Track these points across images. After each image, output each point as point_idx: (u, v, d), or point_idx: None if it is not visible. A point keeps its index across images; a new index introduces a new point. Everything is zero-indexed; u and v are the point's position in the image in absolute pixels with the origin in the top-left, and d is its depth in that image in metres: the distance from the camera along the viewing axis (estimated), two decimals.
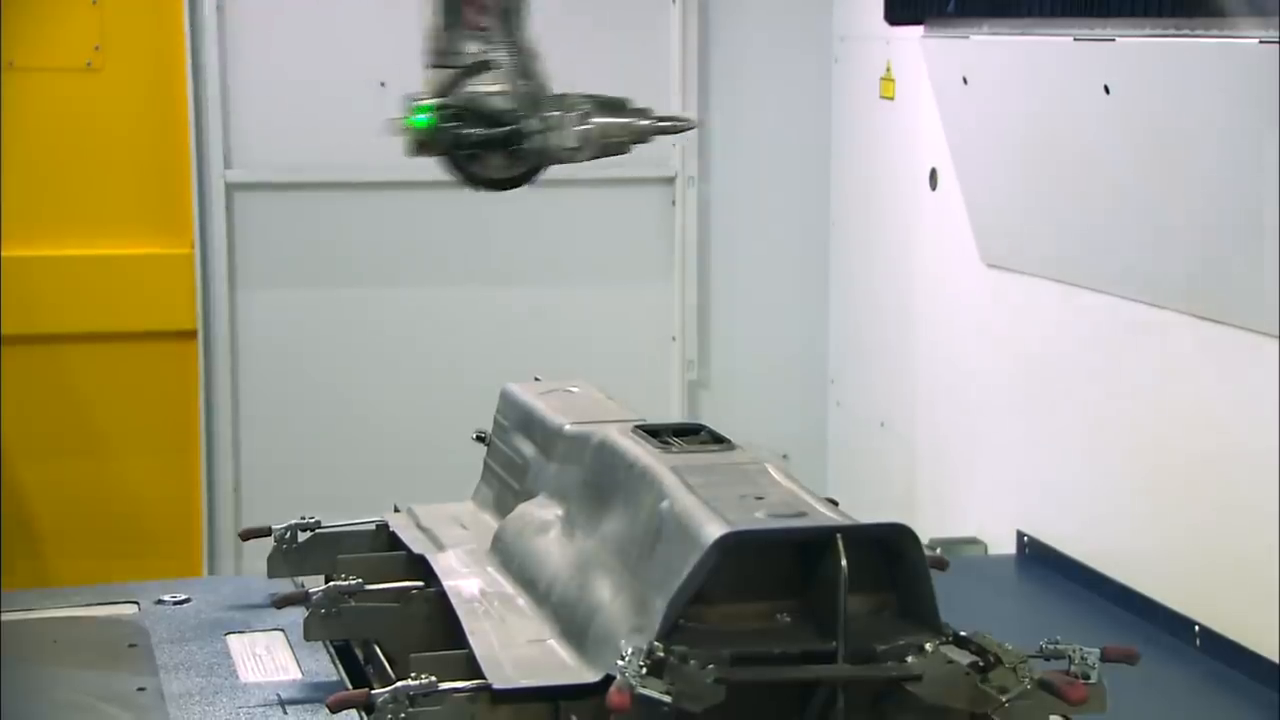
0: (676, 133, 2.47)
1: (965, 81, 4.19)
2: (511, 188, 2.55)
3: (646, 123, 2.46)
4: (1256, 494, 3.33)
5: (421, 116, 2.45)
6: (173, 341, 5.25)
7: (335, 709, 2.46)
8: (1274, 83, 3.07)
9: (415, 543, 3.06)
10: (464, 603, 2.73)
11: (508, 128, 2.42)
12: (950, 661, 2.35)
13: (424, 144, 2.46)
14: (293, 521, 3.17)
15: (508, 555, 2.91)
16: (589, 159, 2.55)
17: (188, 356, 5.25)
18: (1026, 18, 3.85)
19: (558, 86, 2.67)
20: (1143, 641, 2.67)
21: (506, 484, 3.18)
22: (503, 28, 2.42)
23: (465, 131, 2.45)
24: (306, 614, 2.77)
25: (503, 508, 3.11)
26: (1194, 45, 3.31)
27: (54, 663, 2.91)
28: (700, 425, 2.91)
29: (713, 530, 2.38)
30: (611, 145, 2.49)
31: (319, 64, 5.22)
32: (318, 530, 3.17)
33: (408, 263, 5.38)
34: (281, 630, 3.01)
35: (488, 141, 2.43)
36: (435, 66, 2.49)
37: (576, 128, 2.43)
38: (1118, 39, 3.54)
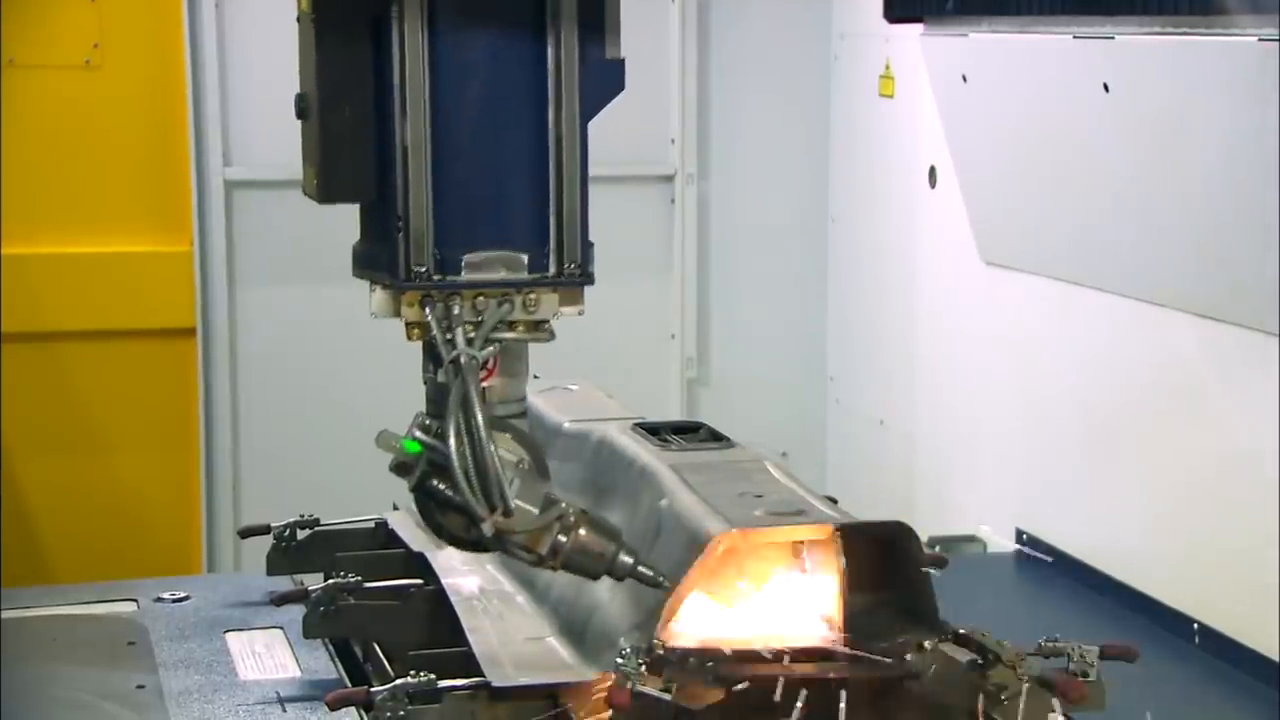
0: (651, 586, 2.35)
1: (965, 79, 4.19)
2: (473, 550, 2.45)
3: (627, 560, 2.35)
4: (1256, 493, 3.33)
5: (415, 442, 2.37)
6: (172, 339, 5.24)
7: (334, 707, 2.46)
8: (1274, 80, 3.07)
9: (414, 540, 3.06)
10: (463, 601, 2.73)
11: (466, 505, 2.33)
12: (949, 659, 2.35)
13: (404, 466, 2.38)
14: (292, 519, 3.17)
15: None
16: (553, 569, 2.43)
17: (187, 354, 5.24)
18: (1026, 15, 3.85)
19: None
20: (1142, 639, 2.67)
21: None
22: (462, 406, 2.34)
23: (437, 485, 2.35)
24: (305, 612, 2.77)
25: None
26: (1193, 43, 3.31)
27: (53, 660, 2.91)
28: (699, 423, 2.91)
29: (712, 528, 2.38)
30: (581, 566, 2.37)
31: None
32: (317, 528, 3.17)
33: None
34: (280, 628, 3.01)
35: (452, 505, 2.34)
36: (428, 412, 2.43)
37: (554, 536, 2.35)
38: (1117, 37, 3.54)
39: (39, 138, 5.08)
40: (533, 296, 2.41)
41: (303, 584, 2.97)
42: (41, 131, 5.08)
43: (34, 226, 5.08)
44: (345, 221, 5.80)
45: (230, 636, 3.00)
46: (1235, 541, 3.44)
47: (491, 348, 2.39)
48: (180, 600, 3.20)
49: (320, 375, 5.36)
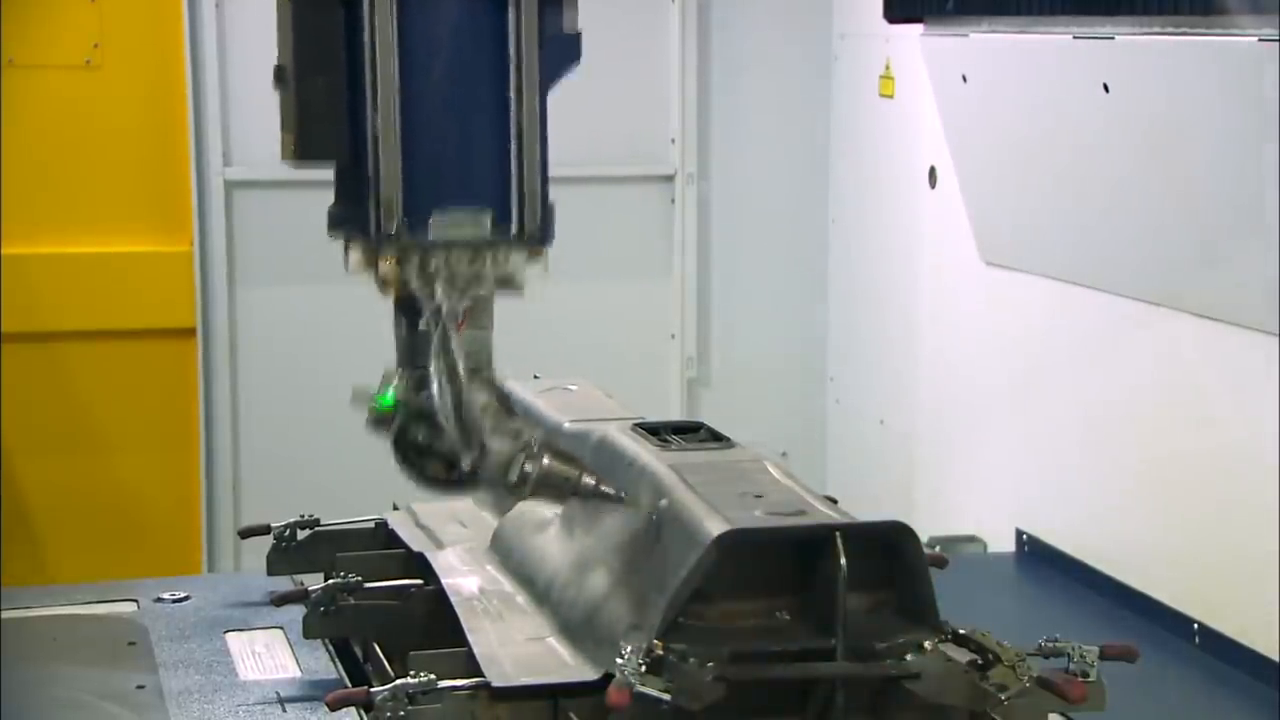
0: (614, 502, 2.62)
1: (964, 79, 4.19)
2: (453, 490, 2.66)
3: (589, 482, 2.59)
4: (1256, 492, 3.33)
5: (388, 397, 2.57)
6: (172, 339, 5.25)
7: (334, 707, 2.46)
8: (1273, 80, 3.07)
9: (414, 541, 3.06)
10: (463, 601, 2.73)
11: (447, 446, 2.54)
12: (949, 659, 2.35)
13: (380, 422, 2.60)
14: (292, 519, 3.17)
15: (507, 553, 2.91)
16: (523, 497, 2.69)
17: (187, 354, 5.25)
18: (1026, 15, 3.85)
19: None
20: (1142, 639, 2.67)
21: None
22: (442, 352, 2.54)
23: (412, 433, 2.56)
24: (305, 612, 2.77)
25: (502, 506, 3.11)
26: (1192, 43, 3.32)
27: (53, 660, 2.91)
28: (699, 423, 2.91)
29: (712, 528, 2.38)
30: (548, 490, 2.60)
31: None
32: (317, 528, 3.17)
33: None
34: (281, 628, 3.01)
35: (430, 450, 2.55)
36: (400, 365, 2.61)
37: (520, 466, 2.55)
38: (1117, 37, 3.54)
39: (39, 138, 5.08)
40: (501, 254, 2.56)
41: (303, 584, 2.96)
42: (41, 131, 5.09)
43: (34, 226, 5.09)
44: None
45: (230, 636, 3.01)
46: (1235, 541, 3.44)
47: (466, 301, 2.55)
48: (180, 600, 3.20)
49: (320, 375, 5.36)
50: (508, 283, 2.59)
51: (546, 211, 2.57)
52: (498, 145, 2.53)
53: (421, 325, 2.55)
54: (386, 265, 2.52)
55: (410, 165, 2.49)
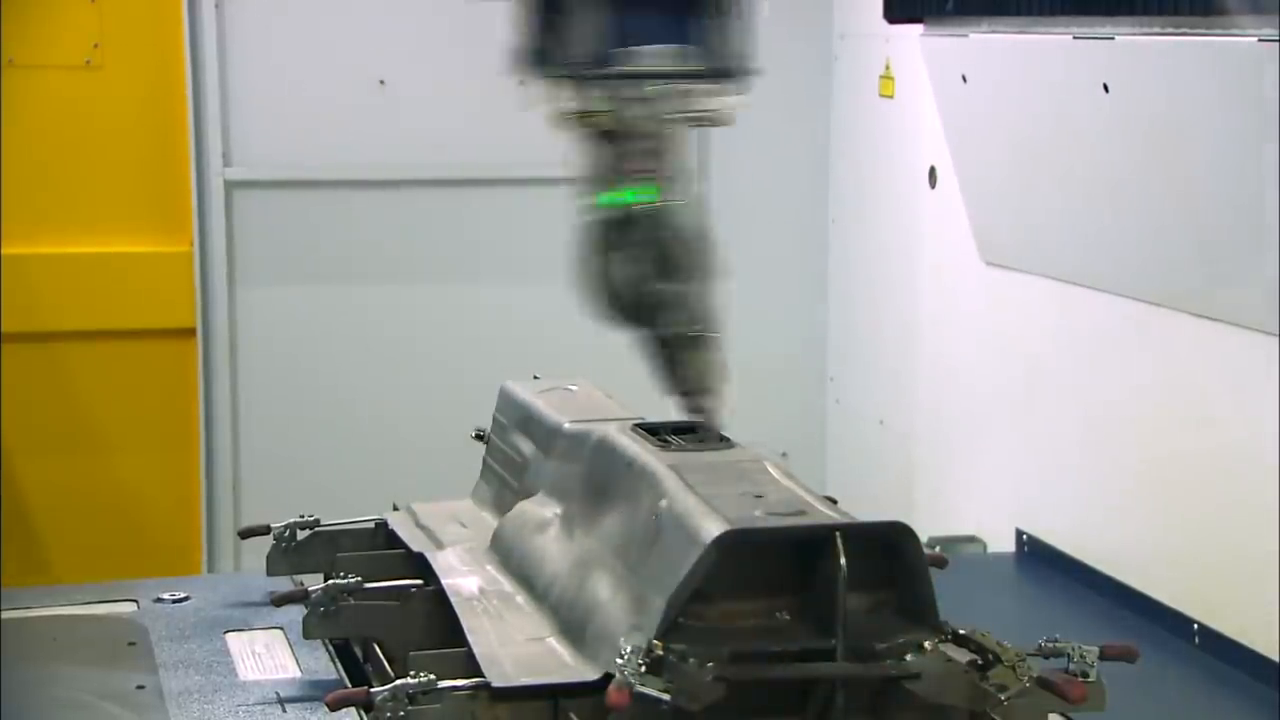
0: None
1: (964, 80, 4.19)
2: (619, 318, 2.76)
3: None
4: (1256, 492, 3.33)
5: (630, 193, 2.61)
6: (172, 339, 5.25)
7: (334, 707, 2.46)
8: (1273, 81, 3.07)
9: (414, 541, 3.06)
10: (463, 601, 2.73)
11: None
12: (949, 660, 2.35)
13: (616, 223, 2.63)
14: (292, 520, 3.17)
15: (507, 553, 2.91)
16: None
17: (187, 354, 5.25)
18: (1026, 16, 3.85)
19: None
20: (1142, 640, 2.67)
21: (505, 482, 3.18)
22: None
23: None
24: (305, 612, 2.77)
25: (502, 506, 3.11)
26: (1193, 43, 3.32)
27: (53, 661, 2.91)
28: (699, 423, 2.91)
29: (712, 528, 2.38)
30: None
31: (318, 61, 5.22)
32: (317, 528, 3.17)
33: (407, 261, 5.38)
34: (280, 628, 3.01)
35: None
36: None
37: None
38: (1117, 37, 3.54)
39: (39, 138, 5.08)
40: (700, 87, 2.59)
41: (303, 584, 2.96)
42: (41, 131, 5.09)
43: (34, 226, 5.09)
44: (345, 220, 5.82)
45: (230, 637, 3.01)
46: (1235, 541, 3.44)
47: (667, 134, 2.58)
48: (180, 600, 3.20)
49: (320, 375, 5.37)
50: (713, 119, 2.60)
51: (747, 45, 2.57)
52: None
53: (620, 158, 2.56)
54: (582, 99, 2.53)
55: (613, 2, 2.51)
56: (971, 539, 4.37)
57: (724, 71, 2.58)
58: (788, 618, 2.42)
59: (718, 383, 2.61)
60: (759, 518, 2.45)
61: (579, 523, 2.78)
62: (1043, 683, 2.31)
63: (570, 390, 3.25)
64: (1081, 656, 2.36)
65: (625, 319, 2.66)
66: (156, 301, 5.22)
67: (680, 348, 2.62)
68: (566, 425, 3.00)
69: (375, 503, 3.31)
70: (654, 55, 2.55)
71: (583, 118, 2.56)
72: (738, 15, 2.56)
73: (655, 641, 2.29)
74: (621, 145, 2.57)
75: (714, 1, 2.55)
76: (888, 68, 4.96)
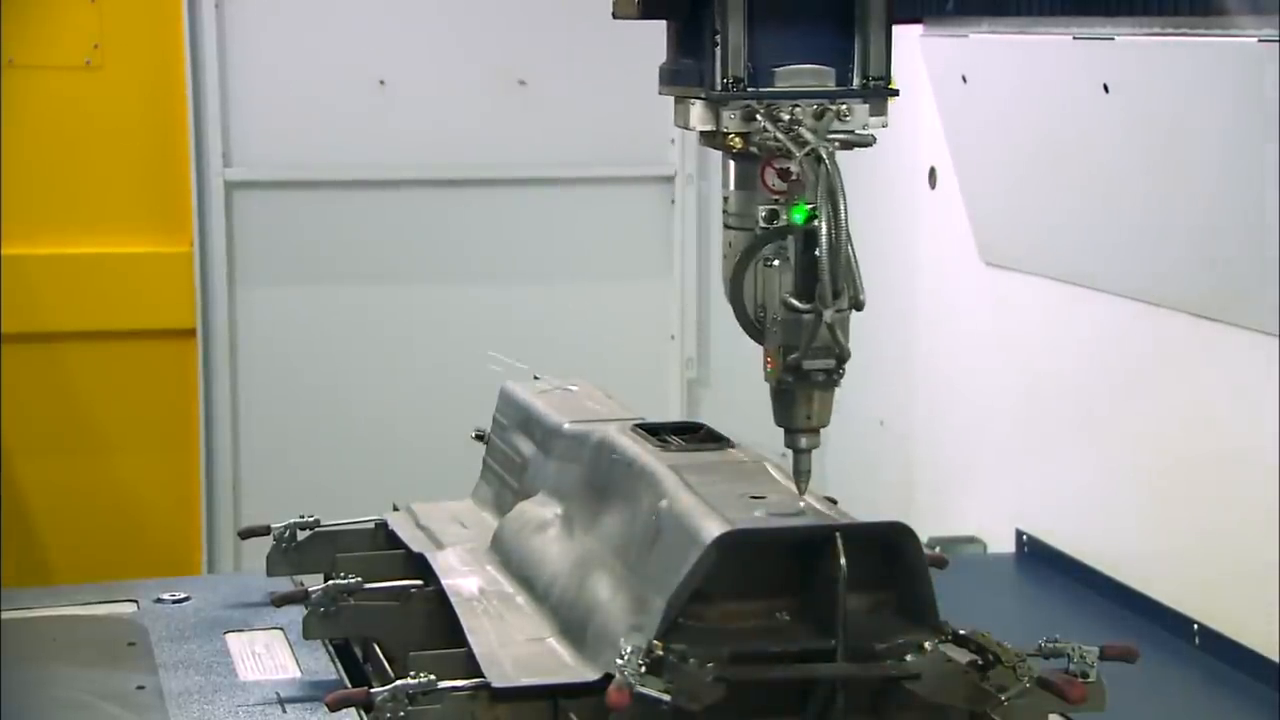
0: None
1: (964, 80, 4.19)
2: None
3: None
4: (1256, 493, 3.33)
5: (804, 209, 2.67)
6: (172, 340, 5.25)
7: (334, 707, 2.46)
8: (1273, 80, 3.07)
9: (414, 541, 3.06)
10: (463, 601, 2.73)
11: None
12: (949, 660, 2.35)
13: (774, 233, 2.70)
14: (292, 520, 3.17)
15: (507, 554, 2.91)
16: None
17: (187, 355, 5.25)
18: (1026, 16, 3.85)
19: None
20: (1142, 640, 2.67)
21: (506, 482, 3.18)
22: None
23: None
24: (305, 612, 2.77)
25: (502, 506, 3.11)
26: (1193, 43, 3.32)
27: (53, 661, 2.91)
28: (699, 424, 2.91)
29: (712, 529, 2.38)
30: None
31: (318, 62, 5.22)
32: (317, 529, 3.17)
33: (407, 261, 5.38)
34: (280, 629, 3.01)
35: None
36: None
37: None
38: (1117, 37, 3.54)
39: (39, 138, 5.08)
40: (845, 106, 2.68)
41: (303, 585, 2.96)
42: (41, 131, 5.09)
43: (34, 226, 5.08)
44: (345, 221, 5.82)
45: (230, 637, 3.01)
46: (1235, 541, 3.44)
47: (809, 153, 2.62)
48: (180, 601, 3.20)
49: (320, 376, 5.37)
50: (860, 140, 2.73)
51: (889, 65, 2.62)
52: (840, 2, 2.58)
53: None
54: (734, 120, 2.56)
55: (755, 19, 2.54)
56: (971, 539, 4.37)
57: (876, 91, 2.67)
58: (788, 618, 2.42)
59: (823, 423, 2.60)
60: (759, 518, 2.46)
61: (579, 523, 2.78)
62: (1043, 683, 2.32)
63: (570, 390, 3.25)
64: (1081, 657, 2.36)
65: (764, 334, 2.73)
66: (156, 302, 5.22)
67: (809, 382, 2.61)
68: (566, 426, 3.00)
69: (375, 503, 3.31)
70: (807, 75, 2.61)
71: (739, 137, 2.59)
72: (881, 33, 2.60)
73: (655, 642, 2.29)
74: (781, 165, 2.65)
75: (861, 20, 2.58)
76: None
